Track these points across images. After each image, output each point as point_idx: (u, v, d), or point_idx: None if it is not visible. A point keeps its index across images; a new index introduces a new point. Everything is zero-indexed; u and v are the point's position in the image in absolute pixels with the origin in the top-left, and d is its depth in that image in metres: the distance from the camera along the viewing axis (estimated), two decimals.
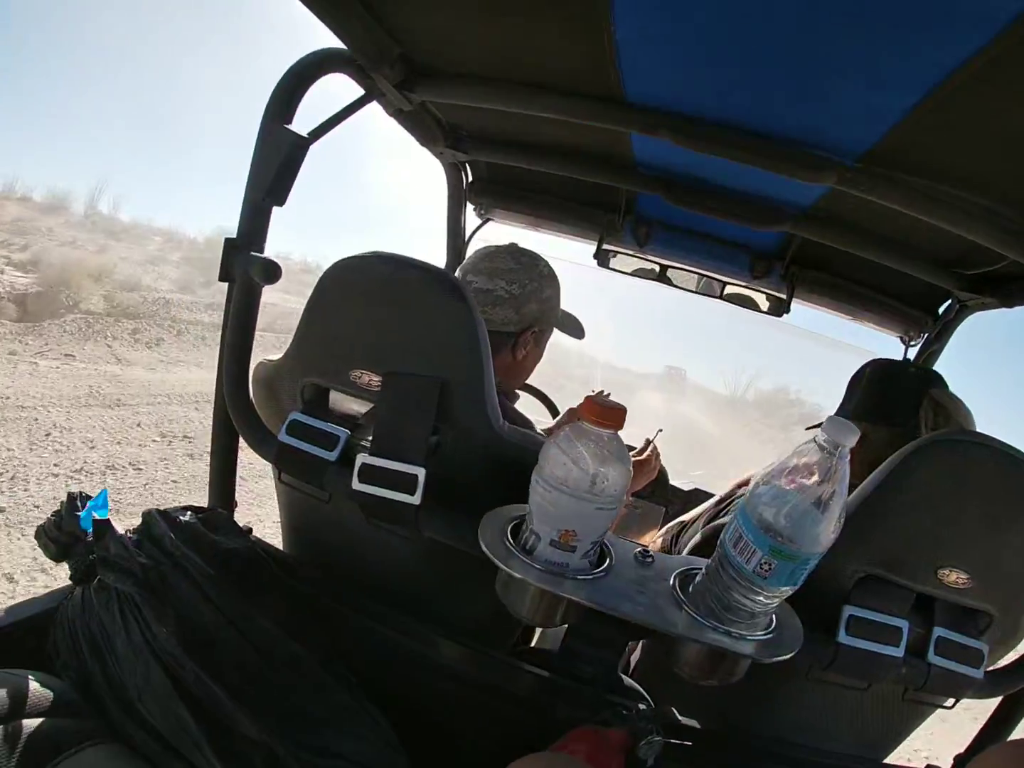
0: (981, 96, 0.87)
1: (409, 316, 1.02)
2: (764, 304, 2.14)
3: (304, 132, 1.18)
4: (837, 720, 1.09)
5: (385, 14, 1.17)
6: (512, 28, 1.14)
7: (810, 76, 1.01)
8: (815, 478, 0.71)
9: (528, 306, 1.41)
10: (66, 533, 1.03)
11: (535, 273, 1.43)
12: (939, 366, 1.98)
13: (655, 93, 1.24)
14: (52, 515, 1.05)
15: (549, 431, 1.83)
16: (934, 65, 0.83)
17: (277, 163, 1.16)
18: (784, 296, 2.06)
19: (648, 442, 2.02)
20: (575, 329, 1.62)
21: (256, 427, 1.18)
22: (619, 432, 0.80)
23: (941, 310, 1.95)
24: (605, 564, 0.86)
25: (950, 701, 1.06)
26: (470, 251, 2.25)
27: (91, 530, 1.02)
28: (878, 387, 1.31)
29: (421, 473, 0.99)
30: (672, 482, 2.40)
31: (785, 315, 2.11)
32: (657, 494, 2.31)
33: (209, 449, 1.35)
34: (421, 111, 1.58)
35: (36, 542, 1.06)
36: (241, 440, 1.25)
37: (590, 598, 0.81)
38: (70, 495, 1.06)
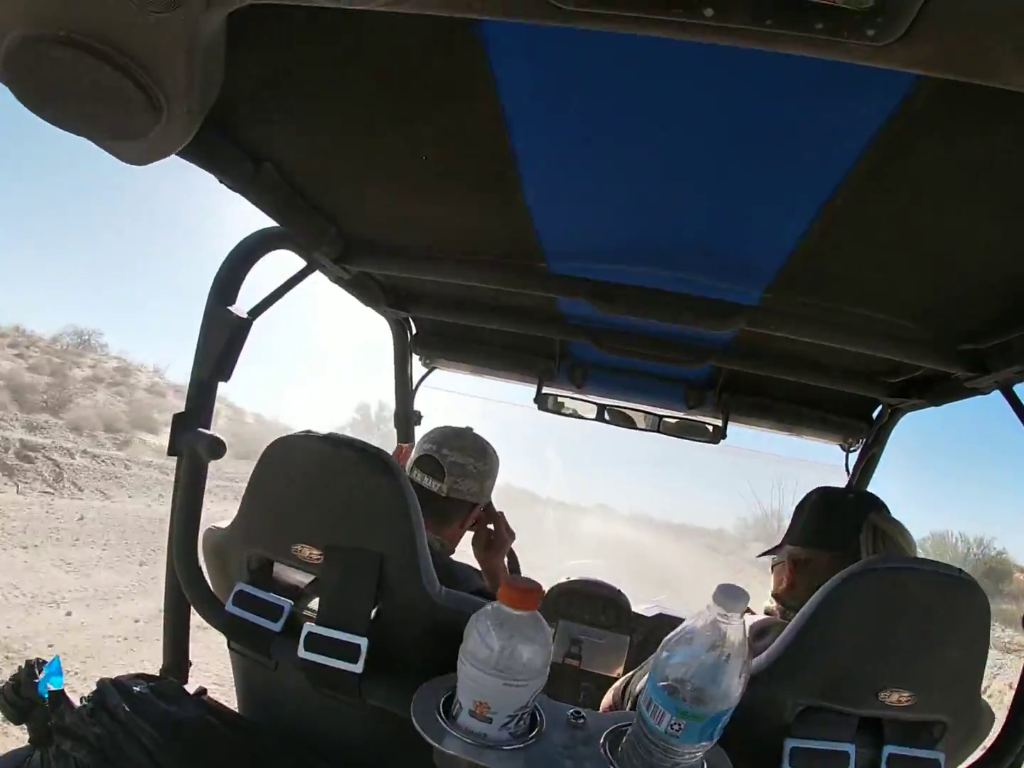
0: (864, 210, 0.96)
1: (346, 493, 1.08)
2: (701, 433, 2.21)
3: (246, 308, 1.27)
4: None
5: (319, 198, 1.29)
6: (440, 209, 1.27)
7: (709, 230, 1.14)
8: (712, 642, 0.75)
9: (488, 481, 1.58)
10: (24, 698, 1.05)
11: (492, 458, 1.60)
12: (886, 463, 2.06)
13: (574, 265, 1.39)
14: (11, 679, 1.07)
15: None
16: (817, 187, 0.93)
17: (222, 343, 1.24)
18: (720, 422, 2.14)
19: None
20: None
21: (205, 597, 1.21)
22: (535, 612, 0.84)
23: (875, 415, 2.03)
24: (534, 732, 0.88)
25: None
26: (417, 398, 2.35)
27: (47, 697, 1.04)
28: (820, 514, 1.37)
29: (363, 643, 1.03)
30: (635, 609, 2.36)
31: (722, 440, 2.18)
32: (621, 623, 2.26)
33: None
34: (362, 277, 1.69)
35: None
36: None
37: None
38: (28, 662, 1.08)
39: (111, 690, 1.04)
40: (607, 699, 1.29)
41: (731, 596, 0.74)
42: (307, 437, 1.11)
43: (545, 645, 0.84)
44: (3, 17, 0.67)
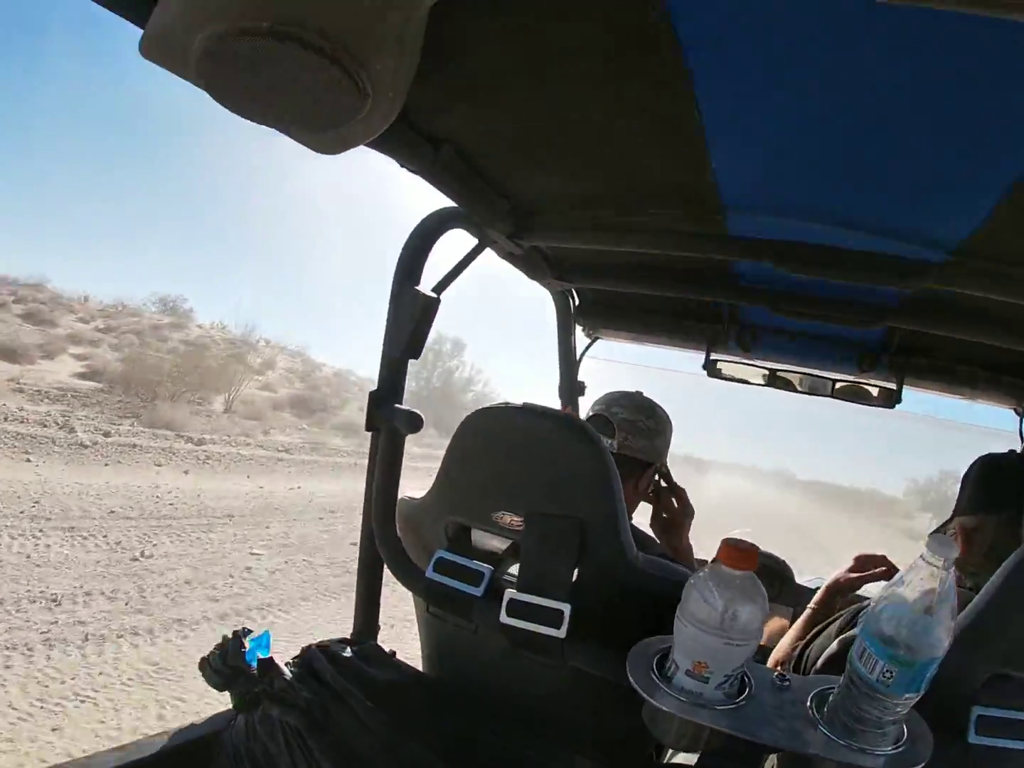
0: None
1: (547, 461, 1.12)
2: (875, 396, 2.12)
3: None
4: None
5: (494, 176, 1.34)
6: (616, 172, 1.27)
7: (897, 190, 1.09)
8: (924, 590, 0.77)
9: (659, 440, 1.59)
10: (230, 667, 1.14)
11: (664, 417, 1.62)
12: None
13: (754, 227, 1.36)
14: (216, 648, 1.17)
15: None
16: (1015, 161, 0.89)
17: (411, 321, 1.31)
18: (894, 386, 2.06)
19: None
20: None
21: (404, 563, 1.27)
22: (752, 572, 0.86)
23: None
24: (745, 693, 0.90)
25: None
26: (582, 369, 2.39)
27: (255, 666, 1.13)
28: (984, 479, 1.34)
29: (567, 609, 1.05)
30: (798, 581, 2.30)
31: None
32: (784, 595, 2.21)
33: None
34: (531, 252, 1.74)
35: (200, 673, 1.17)
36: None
37: (731, 726, 0.85)
38: (235, 632, 1.18)
39: (318, 655, 1.13)
40: (779, 654, 1.29)
41: (944, 544, 0.76)
42: (505, 408, 1.16)
43: (763, 605, 0.86)
44: (194, 16, 0.66)
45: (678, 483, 1.72)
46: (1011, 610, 0.93)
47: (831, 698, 0.88)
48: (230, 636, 1.16)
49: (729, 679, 0.87)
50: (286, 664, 1.14)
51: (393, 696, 1.10)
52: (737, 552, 0.85)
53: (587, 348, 2.36)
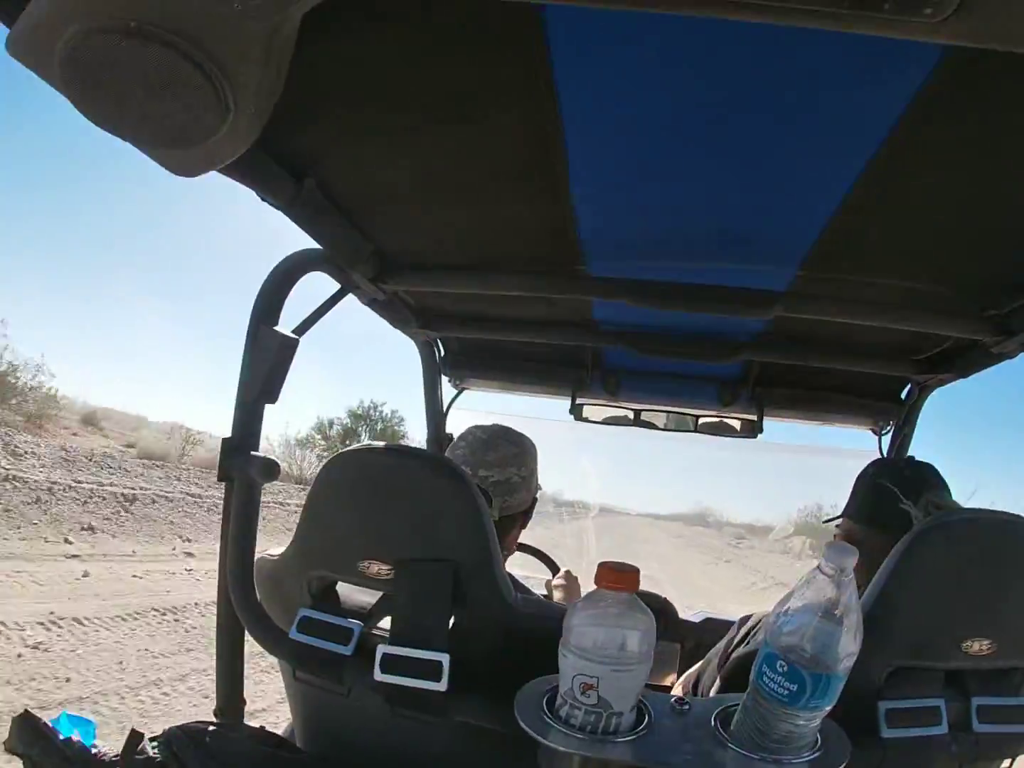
0: (893, 184, 0.99)
1: (414, 504, 1.05)
2: (738, 429, 2.23)
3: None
4: None
5: (359, 215, 1.29)
6: (481, 215, 1.27)
7: (741, 215, 1.16)
8: (826, 599, 0.76)
9: (533, 481, 1.54)
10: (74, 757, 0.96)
11: (528, 450, 1.55)
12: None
13: (614, 267, 1.41)
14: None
15: (549, 585, 1.93)
16: (848, 165, 0.95)
17: (268, 364, 1.23)
18: (755, 417, 2.16)
19: (567, 573, 2.00)
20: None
21: (265, 625, 1.16)
22: (634, 593, 0.83)
23: (904, 395, 2.06)
24: (645, 721, 0.86)
25: (1006, 762, 1.06)
26: (449, 422, 2.35)
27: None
28: (876, 493, 1.36)
29: (445, 659, 0.99)
30: (681, 616, 2.34)
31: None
32: (669, 631, 2.23)
33: None
34: (394, 298, 1.70)
35: None
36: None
37: (637, 757, 0.81)
38: (27, 715, 1.00)
39: (179, 737, 0.99)
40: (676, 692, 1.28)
41: (842, 552, 0.76)
42: (366, 450, 1.09)
43: (649, 626, 0.83)
44: (63, 11, 0.63)
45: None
46: (902, 602, 0.96)
47: (735, 716, 0.86)
48: (27, 722, 0.98)
49: (625, 709, 0.83)
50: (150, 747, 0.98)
51: None
52: (615, 574, 0.82)
53: (454, 399, 2.34)
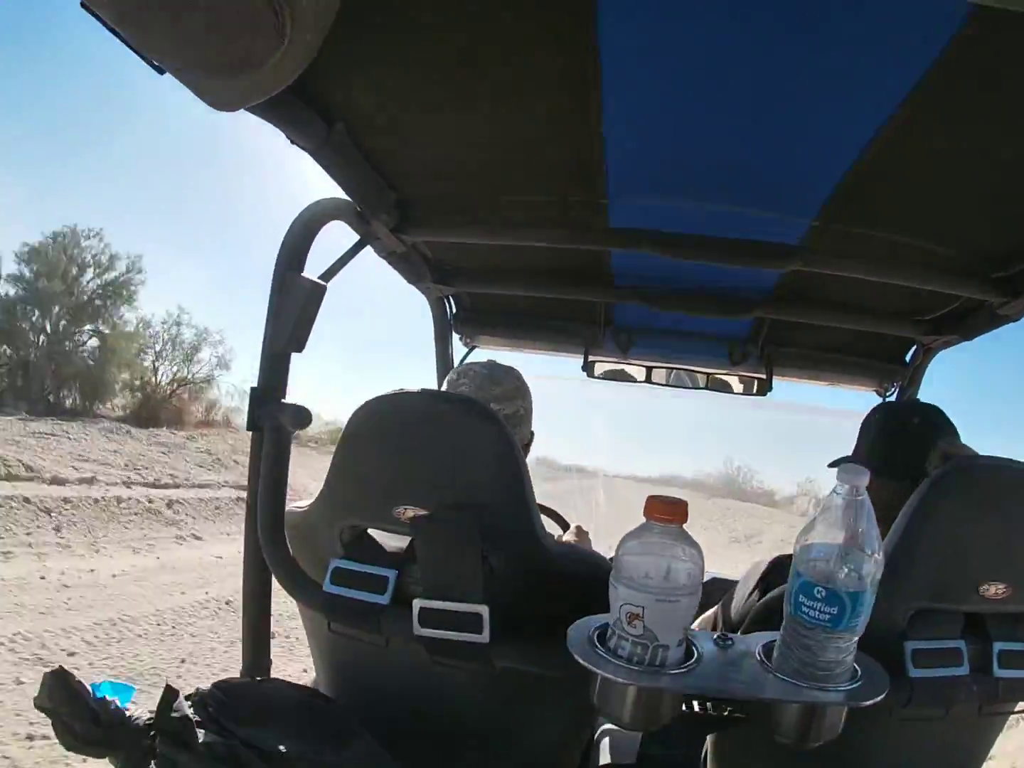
0: (912, 141, 1.00)
1: (449, 448, 1.03)
2: (747, 387, 2.26)
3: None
4: (924, 754, 1.12)
5: (384, 163, 1.29)
6: (504, 163, 1.28)
7: (764, 158, 1.17)
8: (845, 522, 0.79)
9: (532, 416, 1.52)
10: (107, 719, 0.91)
11: (525, 383, 1.52)
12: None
13: (635, 216, 1.41)
14: (57, 701, 0.91)
15: (560, 541, 1.88)
16: (869, 119, 0.96)
17: (296, 312, 1.22)
18: (764, 376, 2.19)
19: (579, 528, 1.98)
20: None
21: (298, 577, 1.14)
22: (682, 525, 0.84)
23: (908, 357, 2.08)
24: (694, 656, 0.87)
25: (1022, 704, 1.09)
26: None
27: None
28: (885, 442, 1.35)
29: (485, 611, 0.98)
30: None
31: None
32: None
33: None
34: (411, 251, 1.70)
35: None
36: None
37: (692, 686, 0.83)
38: (61, 672, 0.93)
39: (216, 694, 0.95)
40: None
41: (853, 472, 0.78)
42: (398, 394, 1.07)
43: (698, 557, 0.84)
44: None
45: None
46: (923, 546, 0.98)
47: (775, 653, 0.88)
48: (59, 680, 0.90)
49: (672, 643, 0.83)
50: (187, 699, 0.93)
51: (305, 727, 0.96)
52: (663, 505, 0.82)
53: (465, 357, 2.33)
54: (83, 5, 0.64)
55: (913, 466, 1.24)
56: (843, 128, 1.01)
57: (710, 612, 1.33)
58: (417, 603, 0.99)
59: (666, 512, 0.82)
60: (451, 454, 1.03)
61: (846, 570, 0.78)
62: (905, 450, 1.29)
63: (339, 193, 1.30)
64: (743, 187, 1.26)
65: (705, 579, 2.32)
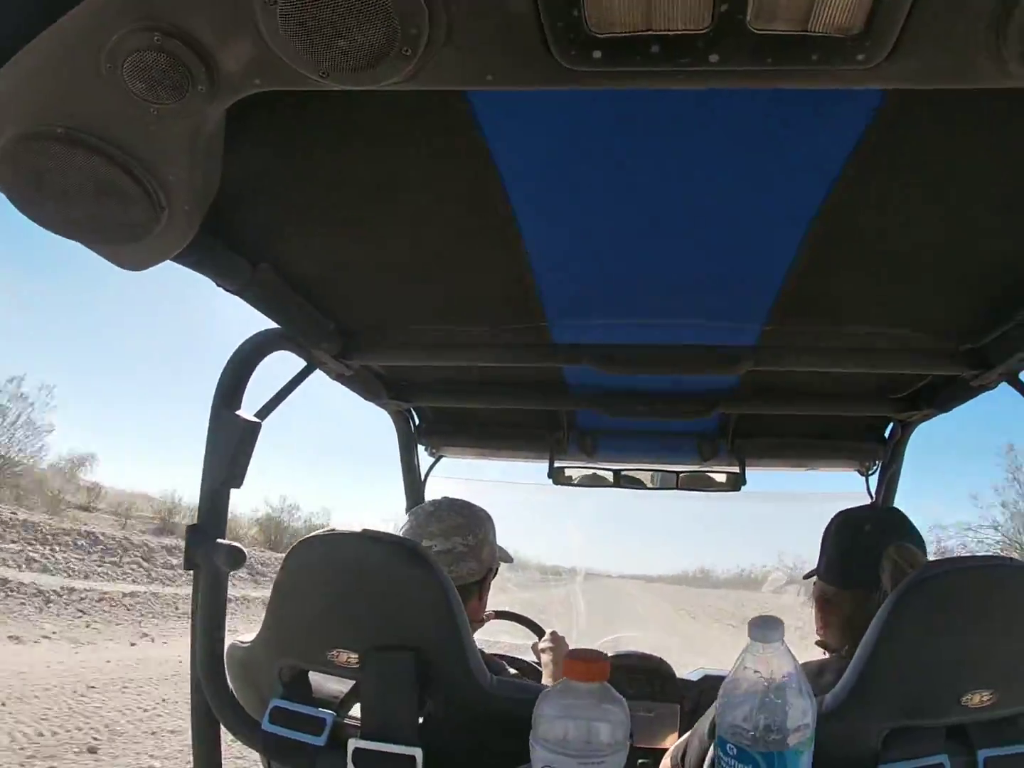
0: (848, 229, 1.00)
1: (380, 590, 1.04)
2: (721, 482, 2.20)
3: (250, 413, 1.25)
4: None
5: (317, 295, 1.29)
6: (441, 287, 1.27)
7: (703, 273, 1.16)
8: (761, 676, 0.76)
9: (483, 551, 1.50)
10: None
11: (478, 520, 1.53)
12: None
13: (579, 333, 1.41)
14: None
15: (536, 648, 1.89)
16: (800, 215, 0.96)
17: (232, 449, 1.20)
18: (737, 470, 2.14)
19: (553, 634, 1.94)
20: (505, 555, 1.69)
21: (239, 717, 1.14)
22: (604, 683, 0.81)
23: (887, 434, 2.03)
24: None
25: None
26: (427, 488, 2.31)
27: None
28: (840, 550, 1.35)
29: (418, 754, 0.97)
30: (679, 675, 2.27)
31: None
32: (668, 692, 2.16)
33: None
34: (363, 371, 1.69)
35: None
36: None
37: None
38: None
39: None
40: (665, 765, 1.24)
41: (766, 626, 0.77)
42: (332, 535, 1.08)
43: (621, 716, 0.80)
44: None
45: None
46: (892, 662, 0.94)
47: None
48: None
49: None
50: None
51: None
52: (583, 665, 0.80)
53: (431, 467, 2.31)
54: None
55: (867, 575, 1.23)
56: (775, 229, 1.01)
57: (683, 738, 1.26)
58: (352, 743, 0.99)
59: (585, 672, 0.80)
60: (383, 597, 1.05)
61: (758, 728, 0.75)
62: (859, 559, 1.28)
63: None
64: (684, 301, 1.26)
65: (696, 677, 2.25)
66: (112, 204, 0.73)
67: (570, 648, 1.79)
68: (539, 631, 2.30)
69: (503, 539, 1.65)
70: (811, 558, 1.44)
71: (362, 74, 0.58)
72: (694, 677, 2.22)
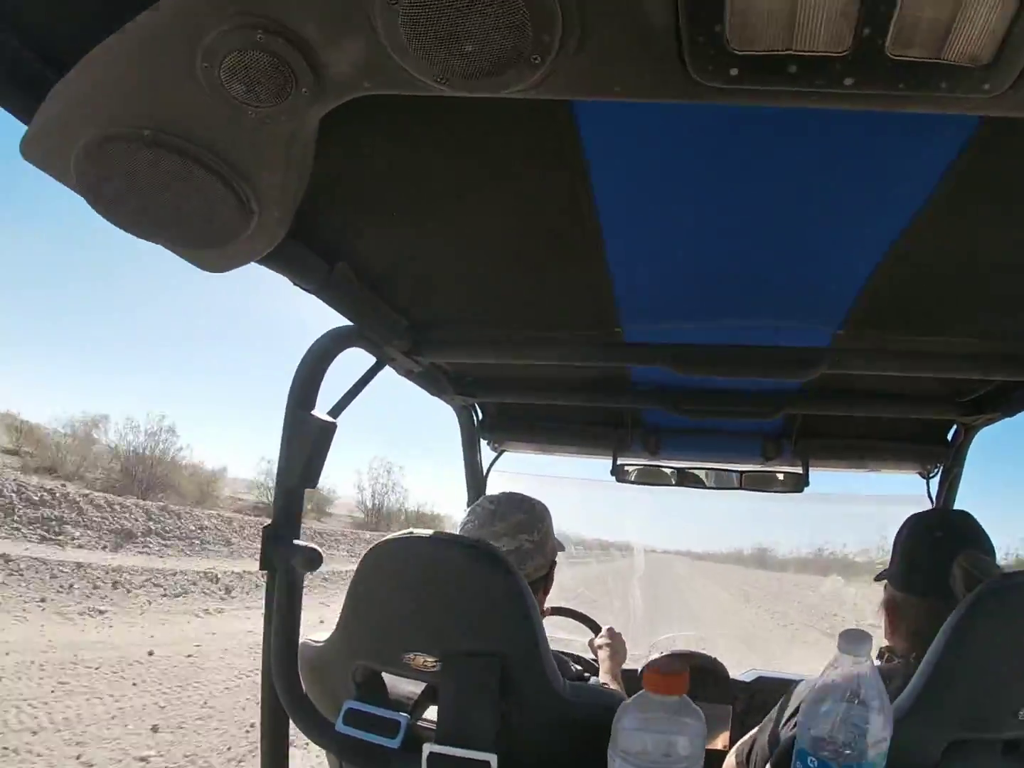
0: (931, 245, 0.99)
1: (460, 594, 1.04)
2: (783, 482, 2.18)
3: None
4: None
5: (391, 293, 1.32)
6: (515, 287, 1.29)
7: (780, 277, 1.16)
8: (848, 690, 0.76)
9: (548, 545, 1.50)
10: None
11: (538, 513, 1.51)
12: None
13: (651, 331, 1.41)
14: None
15: (592, 645, 1.89)
16: (886, 228, 0.96)
17: (307, 449, 1.22)
18: (800, 470, 2.12)
19: (610, 630, 1.94)
20: (559, 544, 1.67)
21: (310, 716, 1.14)
22: (683, 696, 0.82)
23: (950, 437, 2.01)
24: None
25: None
26: (489, 483, 2.33)
27: None
28: (909, 557, 1.32)
29: (493, 759, 0.96)
30: (732, 676, 2.26)
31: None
32: (721, 693, 2.15)
33: None
34: (431, 368, 1.72)
35: None
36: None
37: None
38: None
39: None
40: (730, 764, 1.25)
41: (856, 640, 0.78)
42: (410, 539, 1.08)
43: (698, 728, 0.82)
44: (76, 117, 0.63)
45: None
46: (958, 674, 0.93)
47: None
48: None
49: None
50: None
51: None
52: (662, 679, 0.81)
53: (493, 462, 2.33)
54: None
55: (937, 582, 1.20)
56: (859, 240, 1.00)
57: (748, 736, 1.25)
58: (427, 747, 0.98)
59: (665, 686, 0.81)
60: (462, 600, 1.04)
61: (840, 742, 0.75)
62: (928, 567, 1.25)
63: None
64: (760, 302, 1.26)
65: (749, 678, 2.23)
66: (200, 209, 0.71)
67: (624, 643, 1.79)
68: (595, 627, 2.31)
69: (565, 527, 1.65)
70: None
71: (484, 81, 0.56)
72: (747, 678, 2.21)
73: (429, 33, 0.52)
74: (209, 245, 0.80)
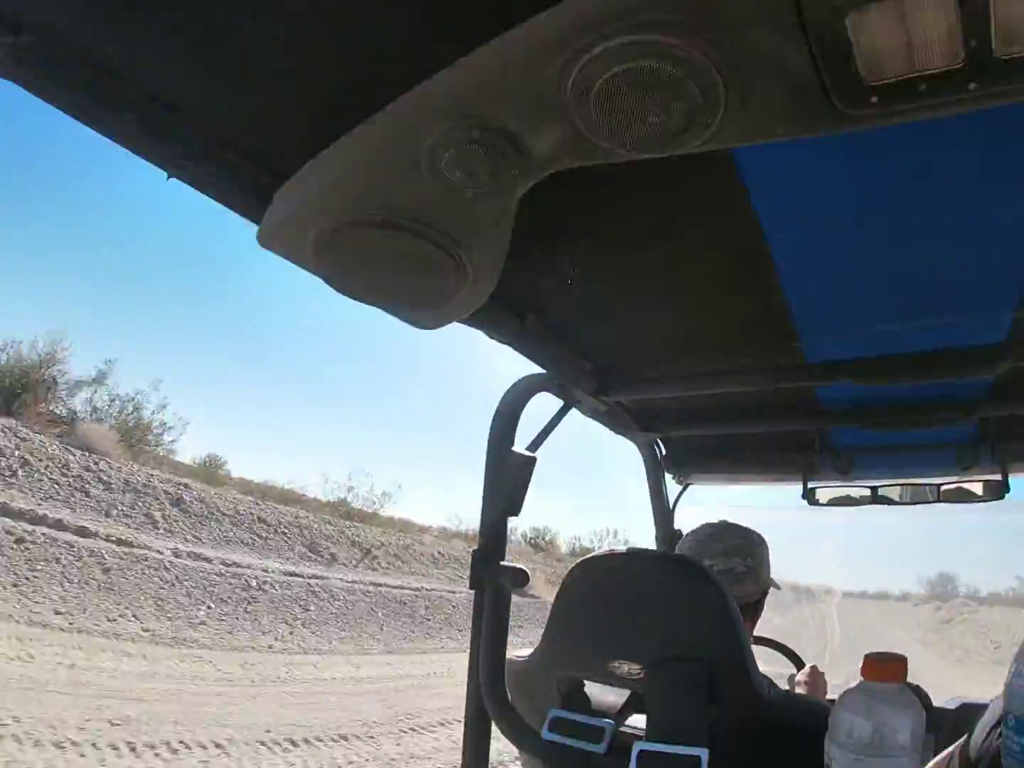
0: None
1: (661, 605, 1.11)
2: (982, 492, 2.04)
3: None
4: None
5: (576, 339, 1.46)
6: (695, 323, 1.38)
7: (951, 284, 1.17)
8: None
9: (763, 570, 1.56)
10: None
11: (757, 542, 1.58)
12: None
13: (831, 349, 1.44)
14: None
15: (792, 680, 1.85)
16: None
17: (511, 481, 1.37)
18: (999, 477, 1.99)
19: (814, 668, 1.87)
20: (774, 583, 1.69)
21: (519, 726, 1.22)
22: (902, 683, 0.82)
23: None
24: None
25: None
26: (676, 516, 2.35)
27: None
28: None
29: (704, 754, 1.00)
30: (936, 704, 2.12)
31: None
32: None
33: None
34: (614, 407, 1.82)
35: None
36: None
37: None
38: None
39: None
40: None
41: None
42: (612, 555, 1.18)
43: (916, 719, 0.80)
44: (310, 211, 0.74)
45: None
46: None
47: None
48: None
49: None
50: None
51: None
52: (880, 665, 0.82)
53: (679, 495, 2.36)
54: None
55: None
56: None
57: (947, 751, 1.23)
58: (637, 745, 1.04)
59: (882, 672, 0.82)
60: (667, 611, 1.11)
61: None
62: None
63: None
64: (933, 298, 1.25)
65: (954, 706, 2.09)
66: (424, 276, 0.82)
67: (826, 683, 1.76)
68: (799, 663, 2.27)
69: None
70: None
71: (667, 144, 0.64)
72: (951, 706, 2.07)
73: (617, 114, 0.61)
74: (428, 307, 0.92)
